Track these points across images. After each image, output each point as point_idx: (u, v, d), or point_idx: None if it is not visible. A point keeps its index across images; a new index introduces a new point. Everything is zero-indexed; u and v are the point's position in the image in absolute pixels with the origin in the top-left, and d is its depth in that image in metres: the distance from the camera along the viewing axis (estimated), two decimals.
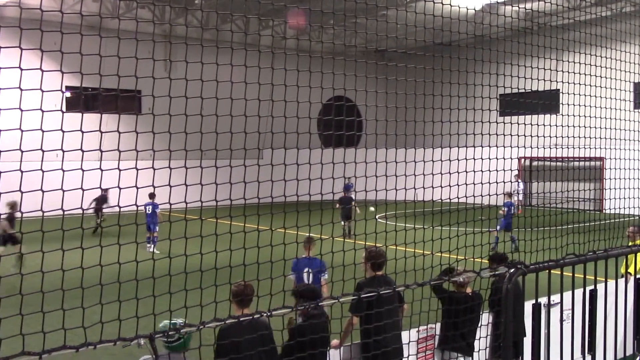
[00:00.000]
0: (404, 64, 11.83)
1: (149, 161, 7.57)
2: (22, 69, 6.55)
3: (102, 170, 6.20)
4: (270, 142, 9.23)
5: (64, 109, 7.35)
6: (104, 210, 25.87)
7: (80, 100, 29.59)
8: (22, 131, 5.97)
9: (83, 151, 6.14)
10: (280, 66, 8.76)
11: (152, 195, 21.41)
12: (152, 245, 22.18)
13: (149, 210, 22.76)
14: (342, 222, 25.96)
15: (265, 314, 6.15)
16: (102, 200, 25.39)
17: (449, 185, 10.14)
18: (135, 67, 6.67)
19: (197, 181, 6.82)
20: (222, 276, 6.09)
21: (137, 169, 6.63)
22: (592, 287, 9.43)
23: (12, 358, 4.74)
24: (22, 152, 5.59)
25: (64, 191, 5.65)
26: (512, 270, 7.37)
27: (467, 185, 10.56)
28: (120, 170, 6.28)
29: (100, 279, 5.28)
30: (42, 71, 6.52)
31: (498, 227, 23.05)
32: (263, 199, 6.90)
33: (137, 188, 6.42)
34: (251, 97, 8.13)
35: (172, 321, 5.82)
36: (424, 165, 11.01)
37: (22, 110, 6.49)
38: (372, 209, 25.62)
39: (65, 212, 5.30)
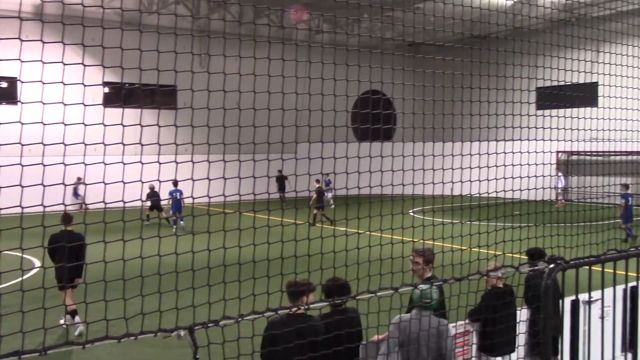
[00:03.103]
0: (439, 57, 11.71)
1: (186, 155, 7.65)
2: (64, 64, 6.69)
3: (142, 164, 6.29)
4: (305, 136, 9.23)
5: (102, 103, 7.47)
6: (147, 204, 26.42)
7: (114, 95, 30.10)
8: (65, 125, 6.10)
9: (124, 145, 6.23)
10: (315, 60, 8.75)
11: (175, 183, 22.38)
12: (175, 227, 23.30)
13: (177, 197, 23.74)
14: (315, 211, 26.07)
15: (302, 308, 6.17)
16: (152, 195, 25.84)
17: (487, 180, 10.02)
18: (170, 62, 6.74)
19: (234, 175, 6.86)
20: (259, 270, 6.13)
21: (177, 163, 6.71)
22: (634, 283, 9.22)
23: (57, 348, 4.85)
24: (65, 145, 5.69)
25: (105, 184, 5.74)
26: (551, 265, 7.25)
27: (505, 179, 10.42)
28: (160, 163, 6.36)
29: (141, 271, 5.36)
30: (85, 66, 6.64)
31: (622, 221, 22.54)
32: (301, 192, 6.91)
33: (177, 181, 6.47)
34: (284, 91, 8.13)
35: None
36: (461, 159, 10.90)
37: (65, 105, 6.63)
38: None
39: (107, 205, 5.39)
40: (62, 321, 10.22)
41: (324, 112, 8.44)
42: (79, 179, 25.71)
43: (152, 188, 24.33)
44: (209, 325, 5.55)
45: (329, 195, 28.79)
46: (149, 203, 26.51)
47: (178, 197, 24.11)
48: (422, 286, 6.82)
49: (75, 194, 28.33)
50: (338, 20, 32.56)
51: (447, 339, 7.01)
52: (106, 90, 30.53)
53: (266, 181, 7.38)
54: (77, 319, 10.55)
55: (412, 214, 25.37)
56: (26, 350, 4.71)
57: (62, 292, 10.38)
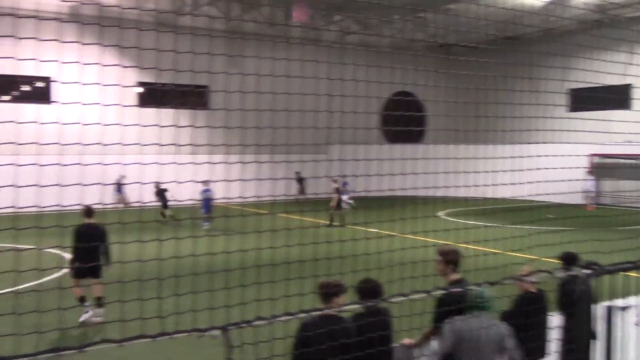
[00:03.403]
0: (470, 59, 11.61)
1: (217, 155, 7.72)
2: (104, 65, 6.82)
3: (178, 164, 6.38)
4: (335, 137, 9.22)
5: (136, 104, 7.60)
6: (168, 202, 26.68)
7: (147, 96, 30.43)
8: (104, 126, 6.21)
9: (161, 145, 6.32)
10: (344, 61, 8.73)
11: (205, 183, 22.79)
12: (208, 224, 23.77)
13: (207, 196, 24.02)
14: (333, 211, 26.04)
15: (335, 310, 6.16)
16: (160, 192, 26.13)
17: (519, 183, 9.91)
18: (200, 63, 6.80)
19: (266, 176, 6.90)
20: (293, 271, 6.15)
21: (212, 163, 6.78)
22: None
23: (92, 346, 4.92)
24: (104, 145, 5.78)
25: (142, 184, 5.81)
26: (587, 271, 7.15)
27: (537, 182, 10.30)
28: (195, 164, 6.45)
29: (175, 270, 5.41)
30: (124, 67, 6.75)
31: None
32: (332, 194, 6.91)
33: (211, 182, 6.54)
34: (311, 92, 8.13)
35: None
36: (492, 161, 10.79)
37: (103, 106, 6.76)
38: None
39: (144, 204, 5.46)
40: (85, 314, 10.38)
41: (354, 114, 8.43)
42: (121, 176, 26.24)
43: (157, 186, 24.63)
44: (243, 325, 5.59)
45: (345, 197, 28.75)
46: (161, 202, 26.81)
47: (209, 197, 24.35)
48: (476, 287, 6.78)
49: (118, 190, 28.65)
50: (368, 22, 32.51)
51: (509, 337, 6.99)
52: (140, 90, 30.92)
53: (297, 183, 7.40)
54: (93, 309, 10.73)
55: (444, 216, 25.16)
56: (63, 347, 4.79)
57: (77, 280, 10.71)
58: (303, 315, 5.87)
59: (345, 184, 28.57)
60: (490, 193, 10.42)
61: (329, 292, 6.88)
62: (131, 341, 5.06)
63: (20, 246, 5.45)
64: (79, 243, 10.73)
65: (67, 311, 4.96)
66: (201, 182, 22.51)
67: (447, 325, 6.82)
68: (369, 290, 7.33)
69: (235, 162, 7.25)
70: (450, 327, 6.82)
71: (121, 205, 26.70)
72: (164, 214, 26.43)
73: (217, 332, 5.40)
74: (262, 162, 6.47)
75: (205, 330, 5.35)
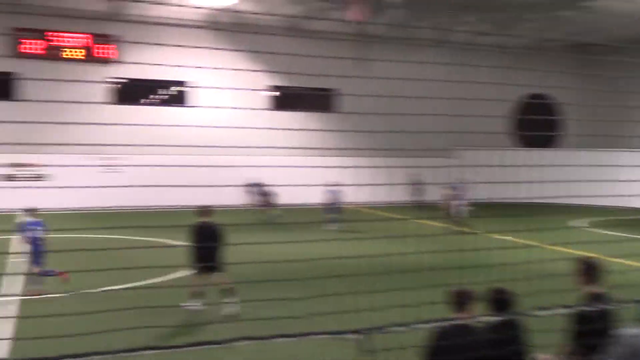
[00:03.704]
0: (611, 59, 10.96)
1: (345, 158, 7.82)
2: (236, 70, 7.13)
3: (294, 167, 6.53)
4: (462, 141, 9.06)
5: (267, 106, 7.89)
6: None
7: (278, 99, 31.34)
8: (236, 129, 6.50)
9: (299, 148, 6.49)
10: (474, 63, 8.55)
11: (332, 184, 22.79)
12: (334, 225, 23.47)
13: (334, 198, 24.16)
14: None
15: (473, 319, 6.05)
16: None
17: None
18: (330, 66, 6.91)
19: (393, 179, 6.90)
20: (429, 277, 6.10)
21: (342, 167, 6.87)
22: None
23: (236, 341, 5.16)
24: (241, 148, 6.05)
25: (280, 186, 6.00)
26: None
27: None
28: (324, 167, 6.57)
29: (305, 271, 5.53)
30: (256, 71, 7.02)
31: None
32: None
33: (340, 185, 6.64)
34: (443, 96, 8.03)
35: None
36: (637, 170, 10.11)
37: (236, 109, 7.06)
38: None
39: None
40: (194, 305, 10.70)
41: (483, 118, 8.23)
42: (254, 178, 27.05)
43: (260, 184, 25.19)
44: (375, 330, 5.62)
45: (460, 202, 27.85)
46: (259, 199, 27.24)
47: (336, 198, 24.48)
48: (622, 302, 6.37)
49: (255, 192, 29.32)
50: (499, 21, 31.51)
51: None
52: (271, 94, 31.90)
53: (430, 187, 7.32)
54: (229, 301, 11.00)
55: (582, 226, 23.66)
56: (204, 341, 5.07)
57: (198, 276, 10.61)
58: (438, 323, 5.81)
59: (461, 188, 27.65)
60: (636, 203, 9.77)
61: (461, 301, 6.75)
62: (271, 339, 5.26)
63: (171, 242, 5.81)
64: (200, 241, 10.84)
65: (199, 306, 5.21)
66: (328, 184, 22.72)
67: (620, 338, 6.42)
68: (503, 301, 7.11)
69: (365, 167, 7.31)
70: (624, 341, 6.40)
71: (259, 205, 27.66)
72: (265, 213, 26.97)
73: (352, 336, 5.47)
74: (390, 167, 6.44)
75: (338, 333, 5.44)
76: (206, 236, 10.76)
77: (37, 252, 11.94)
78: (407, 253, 6.17)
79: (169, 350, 4.99)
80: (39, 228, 11.94)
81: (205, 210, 11.67)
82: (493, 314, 6.60)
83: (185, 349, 5.04)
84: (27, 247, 11.81)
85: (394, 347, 5.82)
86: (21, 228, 12.04)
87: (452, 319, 6.10)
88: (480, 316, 6.12)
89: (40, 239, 11.96)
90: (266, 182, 26.27)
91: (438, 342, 6.42)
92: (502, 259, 6.97)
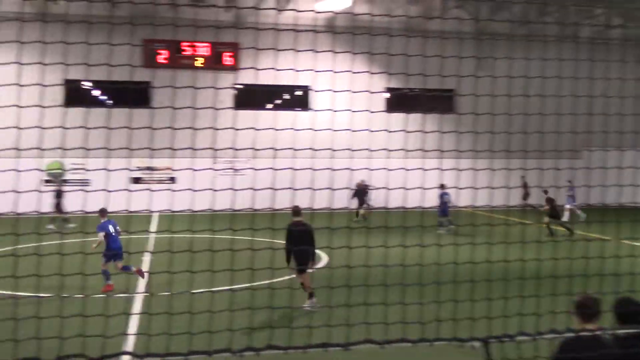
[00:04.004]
0: None
1: (464, 160, 7.52)
2: (353, 72, 7.08)
3: (423, 170, 6.36)
4: (590, 141, 8.47)
5: (384, 109, 7.75)
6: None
7: (396, 101, 31.17)
8: (352, 131, 6.46)
9: (406, 150, 6.33)
10: (604, 58, 7.93)
11: (443, 186, 21.96)
12: (444, 229, 22.66)
13: (445, 200, 23.45)
14: (547, 220, 23.09)
15: (605, 332, 5.59)
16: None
17: None
18: (447, 66, 6.66)
19: (507, 182, 6.56)
20: (560, 285, 5.73)
21: (459, 170, 6.63)
22: None
23: (355, 345, 5.09)
24: (353, 151, 5.96)
25: (388, 189, 5.88)
26: None
27: None
28: (442, 170, 6.38)
29: (438, 276, 5.36)
30: (371, 73, 6.93)
31: None
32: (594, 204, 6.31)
33: (459, 189, 6.41)
34: (567, 94, 7.49)
35: None
36: None
37: (353, 112, 7.00)
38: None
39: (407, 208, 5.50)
40: (305, 305, 10.71)
41: (615, 117, 7.62)
42: (362, 181, 27.00)
43: (359, 185, 25.14)
44: (505, 339, 5.35)
45: (568, 205, 26.20)
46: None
47: (447, 201, 23.88)
48: None
49: (357, 195, 29.41)
50: (632, 13, 29.51)
51: None
52: (388, 96, 31.82)
53: (556, 190, 6.88)
54: (312, 300, 11.00)
55: None
56: (331, 343, 5.03)
57: (300, 275, 10.49)
58: (567, 335, 5.44)
59: (571, 190, 26.06)
60: None
61: (588, 311, 6.22)
62: (392, 344, 5.14)
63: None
64: (294, 240, 11.02)
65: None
66: (439, 186, 21.96)
67: None
68: (634, 313, 6.49)
69: (485, 169, 6.99)
70: None
71: (367, 209, 27.66)
72: (358, 213, 26.67)
73: (477, 344, 5.23)
74: (513, 169, 6.14)
75: (466, 340, 5.22)
76: (296, 236, 10.93)
77: (113, 249, 12.70)
78: (527, 260, 5.81)
79: (281, 351, 5.01)
80: (111, 227, 12.75)
81: (295, 211, 11.59)
82: (622, 326, 6.04)
83: (301, 350, 5.04)
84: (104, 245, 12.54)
85: (513, 357, 5.51)
86: (100, 228, 12.79)
87: (580, 331, 5.67)
88: (609, 328, 5.64)
89: (115, 237, 12.76)
90: (375, 185, 26.07)
91: (565, 354, 5.99)
92: (632, 267, 6.42)
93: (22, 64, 5.80)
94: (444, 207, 23.91)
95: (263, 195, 6.41)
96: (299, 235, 11.03)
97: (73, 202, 22.59)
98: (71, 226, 22.98)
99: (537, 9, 27.92)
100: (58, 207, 23.82)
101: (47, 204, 21.69)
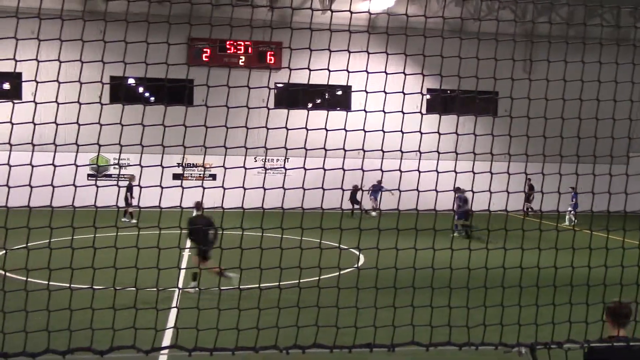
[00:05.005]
0: None
1: (504, 163, 7.43)
2: (387, 73, 7.07)
3: (456, 173, 6.34)
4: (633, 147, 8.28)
5: (423, 110, 7.73)
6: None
7: (433, 102, 30.94)
8: (384, 132, 6.45)
9: (439, 153, 6.28)
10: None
11: (458, 189, 21.77)
12: (458, 233, 22.62)
13: (460, 203, 23.26)
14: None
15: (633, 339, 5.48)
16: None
17: None
18: (493, 68, 6.61)
19: (554, 187, 6.48)
20: (611, 294, 5.63)
21: (492, 173, 6.55)
22: None
23: (401, 346, 5.09)
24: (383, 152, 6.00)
25: (419, 191, 5.85)
26: None
27: None
28: (474, 173, 6.34)
29: (486, 280, 5.33)
30: (405, 75, 6.92)
31: None
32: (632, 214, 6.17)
33: (491, 193, 6.36)
34: (621, 98, 7.34)
35: None
36: None
37: (385, 113, 7.01)
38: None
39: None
40: (231, 274, 11.88)
41: None
42: (378, 182, 27.02)
43: (356, 188, 25.10)
44: (552, 346, 5.29)
45: (570, 209, 26.15)
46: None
47: (461, 204, 23.67)
48: None
49: (374, 195, 29.42)
50: None
51: None
52: (428, 97, 31.64)
53: (589, 196, 6.73)
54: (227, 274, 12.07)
55: None
56: (378, 344, 5.05)
57: (204, 262, 12.36)
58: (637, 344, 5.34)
59: (574, 196, 25.75)
60: None
61: (620, 318, 6.04)
62: (438, 347, 5.13)
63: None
64: (195, 232, 12.89)
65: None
66: (455, 189, 21.49)
67: None
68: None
69: (518, 173, 6.92)
70: None
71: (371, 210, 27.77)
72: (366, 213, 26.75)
73: (524, 350, 5.18)
74: (547, 174, 6.04)
75: (513, 346, 5.18)
76: (198, 228, 12.68)
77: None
78: (577, 266, 5.72)
79: (327, 350, 5.04)
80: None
81: (197, 205, 13.18)
82: None
83: (346, 350, 5.07)
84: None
85: None
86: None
87: (610, 337, 5.54)
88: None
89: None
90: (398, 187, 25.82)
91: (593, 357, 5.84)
92: None
93: (74, 61, 5.96)
94: (461, 210, 23.61)
95: (311, 194, 6.46)
96: (200, 228, 12.74)
97: (120, 197, 23.42)
98: (133, 221, 24.25)
99: (588, 10, 27.39)
100: (127, 201, 24.98)
101: (107, 198, 22.32)
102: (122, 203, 24.42)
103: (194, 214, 14.02)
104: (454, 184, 7.06)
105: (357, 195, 27.52)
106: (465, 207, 23.59)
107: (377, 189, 28.28)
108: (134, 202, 24.46)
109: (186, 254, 15.41)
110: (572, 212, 26.60)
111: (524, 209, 28.13)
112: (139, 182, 6.15)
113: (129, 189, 24.89)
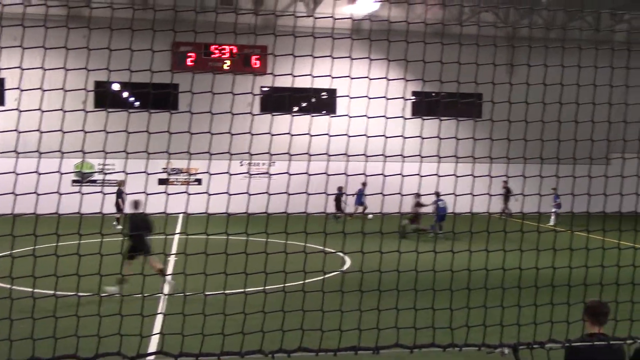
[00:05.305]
0: None
1: (485, 165, 7.51)
2: (370, 79, 7.13)
3: (439, 177, 6.40)
4: (621, 149, 8.41)
5: (408, 114, 7.77)
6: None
7: (417, 105, 31.10)
8: (367, 137, 6.51)
9: (421, 157, 6.35)
10: (638, 64, 7.86)
11: (438, 194, 21.87)
12: (433, 235, 22.61)
13: (442, 206, 23.37)
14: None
15: (622, 342, 5.56)
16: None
17: None
18: (475, 72, 6.69)
19: (536, 189, 6.56)
20: (591, 293, 5.71)
21: (474, 176, 6.62)
22: None
23: (385, 349, 5.14)
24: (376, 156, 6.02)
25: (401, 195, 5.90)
26: None
27: None
28: (457, 176, 6.41)
29: (469, 282, 5.39)
30: (388, 80, 6.98)
31: None
32: (612, 214, 6.28)
33: (473, 195, 6.43)
34: (600, 101, 7.45)
35: None
36: None
37: (367, 117, 7.07)
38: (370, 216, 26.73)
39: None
40: (112, 289, 11.44)
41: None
42: (363, 184, 27.12)
43: (339, 190, 25.19)
44: (534, 346, 5.36)
45: (554, 210, 26.57)
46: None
47: (441, 206, 23.86)
48: None
49: (359, 200, 29.46)
50: None
51: None
52: (412, 100, 31.77)
53: (570, 197, 6.83)
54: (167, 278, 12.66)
55: None
56: (363, 347, 5.09)
57: (129, 261, 12.43)
58: (617, 342, 5.42)
59: (556, 197, 26.14)
60: None
61: (600, 315, 6.11)
62: (422, 349, 5.18)
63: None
64: (133, 230, 13.00)
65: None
66: (435, 193, 21.57)
67: None
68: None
69: (499, 176, 7.00)
70: None
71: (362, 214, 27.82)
72: (337, 216, 26.75)
73: (507, 350, 5.25)
74: (528, 177, 6.12)
75: (496, 347, 5.24)
76: (135, 227, 12.89)
77: None
78: (558, 267, 5.80)
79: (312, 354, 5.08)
80: None
81: (135, 203, 12.97)
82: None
83: (332, 353, 5.10)
84: None
85: None
86: None
87: (589, 335, 5.62)
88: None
89: None
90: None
91: (573, 356, 5.91)
92: None
93: (58, 69, 5.96)
94: (440, 213, 23.73)
95: (285, 198, 6.51)
96: (139, 224, 12.85)
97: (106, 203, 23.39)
98: (119, 227, 24.25)
99: (569, 13, 27.68)
100: (118, 206, 24.89)
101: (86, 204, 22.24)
102: (112, 209, 24.35)
103: (131, 211, 13.66)
104: (433, 187, 7.13)
105: (341, 200, 27.52)
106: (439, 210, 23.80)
107: (361, 192, 28.39)
108: (125, 207, 24.54)
109: (172, 259, 15.39)
110: (555, 212, 26.86)
111: (502, 211, 28.37)
112: (134, 188, 6.16)
113: (119, 194, 24.80)
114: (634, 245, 6.25)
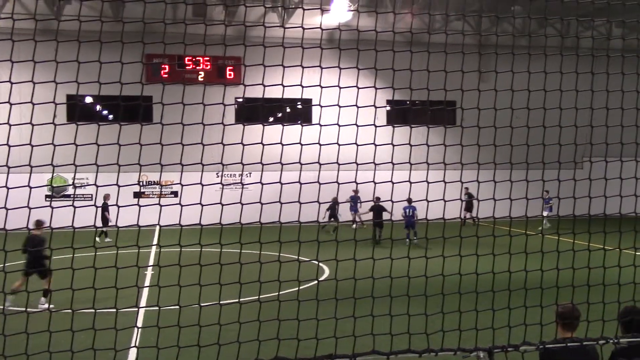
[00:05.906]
0: None
1: (457, 171, 7.57)
2: (341, 87, 7.18)
3: (410, 183, 6.45)
4: (589, 153, 8.55)
5: (384, 122, 7.84)
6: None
7: (394, 114, 31.32)
8: (339, 145, 6.54)
9: (393, 164, 6.40)
10: (602, 70, 8.02)
11: (410, 200, 21.93)
12: (411, 242, 22.61)
13: (409, 213, 23.42)
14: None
15: (594, 342, 5.65)
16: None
17: None
18: (448, 79, 6.77)
19: (507, 194, 6.66)
20: (564, 295, 5.79)
21: (445, 182, 6.67)
22: None
23: (362, 356, 5.15)
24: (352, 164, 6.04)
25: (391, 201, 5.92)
26: None
27: None
28: (428, 182, 6.47)
29: (443, 287, 5.43)
30: (358, 88, 7.03)
31: None
32: (580, 217, 6.38)
33: (445, 201, 6.49)
34: (567, 106, 7.59)
35: None
36: None
37: (339, 126, 7.10)
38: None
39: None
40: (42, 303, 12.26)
41: (610, 128, 7.71)
42: (355, 191, 27.28)
43: (333, 200, 25.26)
44: (509, 349, 5.41)
45: (545, 213, 26.96)
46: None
47: (410, 213, 23.91)
48: None
49: (353, 208, 29.51)
50: (632, 24, 29.67)
51: None
52: (388, 108, 31.95)
53: (539, 202, 6.95)
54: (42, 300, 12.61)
55: None
56: (339, 354, 5.10)
57: (24, 277, 12.27)
58: (590, 343, 5.49)
59: (548, 200, 26.52)
60: None
61: (567, 321, 6.19)
62: (398, 355, 5.20)
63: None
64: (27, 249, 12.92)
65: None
66: (407, 199, 21.73)
67: None
68: (637, 322, 6.48)
69: (471, 181, 7.08)
70: None
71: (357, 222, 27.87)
72: (330, 227, 26.76)
73: (482, 354, 5.29)
74: (498, 182, 6.19)
75: (471, 351, 5.28)
76: (34, 245, 13.00)
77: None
78: (530, 270, 5.87)
79: None
80: None
81: (36, 222, 13.22)
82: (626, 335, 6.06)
83: None
84: None
85: None
86: None
87: (561, 339, 5.70)
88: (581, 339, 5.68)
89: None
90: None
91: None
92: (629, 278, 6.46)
93: (27, 82, 5.90)
94: (409, 219, 23.81)
95: (263, 208, 6.51)
96: (36, 243, 12.96)
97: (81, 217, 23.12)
98: (107, 240, 25.34)
99: (537, 21, 28.12)
100: (104, 219, 25.07)
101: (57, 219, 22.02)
102: (98, 223, 24.30)
103: (32, 229, 13.62)
104: (408, 194, 7.18)
105: (335, 209, 27.33)
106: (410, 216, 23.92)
107: (355, 199, 28.46)
108: (112, 220, 24.73)
109: (149, 272, 15.24)
110: (547, 215, 27.00)
111: (463, 217, 28.51)
112: (95, 202, 6.11)
113: (105, 208, 24.85)
114: (603, 247, 6.34)
